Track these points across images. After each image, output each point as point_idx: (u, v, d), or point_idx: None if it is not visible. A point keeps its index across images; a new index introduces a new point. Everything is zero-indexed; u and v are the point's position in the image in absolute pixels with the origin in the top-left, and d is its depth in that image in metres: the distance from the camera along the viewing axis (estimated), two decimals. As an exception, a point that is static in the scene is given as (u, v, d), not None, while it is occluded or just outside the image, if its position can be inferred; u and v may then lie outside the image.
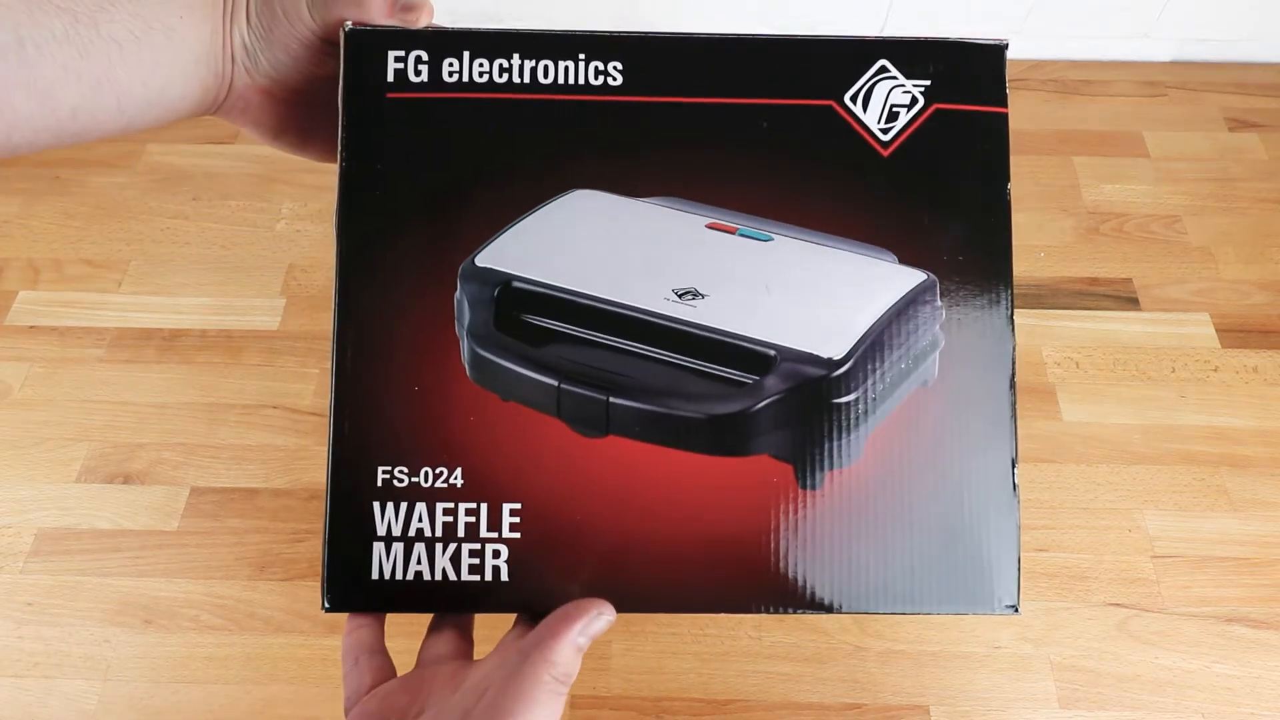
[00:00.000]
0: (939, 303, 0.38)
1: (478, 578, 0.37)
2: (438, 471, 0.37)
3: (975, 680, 0.73)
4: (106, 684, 0.73)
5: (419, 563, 0.37)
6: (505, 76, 0.39)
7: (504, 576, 0.37)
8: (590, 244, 0.40)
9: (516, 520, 0.37)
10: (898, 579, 0.37)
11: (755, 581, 0.37)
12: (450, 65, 0.39)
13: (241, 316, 0.94)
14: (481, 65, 0.39)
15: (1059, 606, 0.76)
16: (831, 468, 0.37)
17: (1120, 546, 0.79)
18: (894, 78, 0.39)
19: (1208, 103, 1.11)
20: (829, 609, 0.37)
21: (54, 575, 0.78)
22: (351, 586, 0.38)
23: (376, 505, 0.37)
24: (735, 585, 0.37)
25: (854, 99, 0.39)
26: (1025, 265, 0.97)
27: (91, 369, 0.90)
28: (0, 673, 0.73)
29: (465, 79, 0.39)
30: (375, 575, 0.37)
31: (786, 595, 0.37)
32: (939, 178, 0.39)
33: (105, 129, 0.37)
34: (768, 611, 0.37)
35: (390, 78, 0.39)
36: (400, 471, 0.37)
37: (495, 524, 0.37)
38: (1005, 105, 0.40)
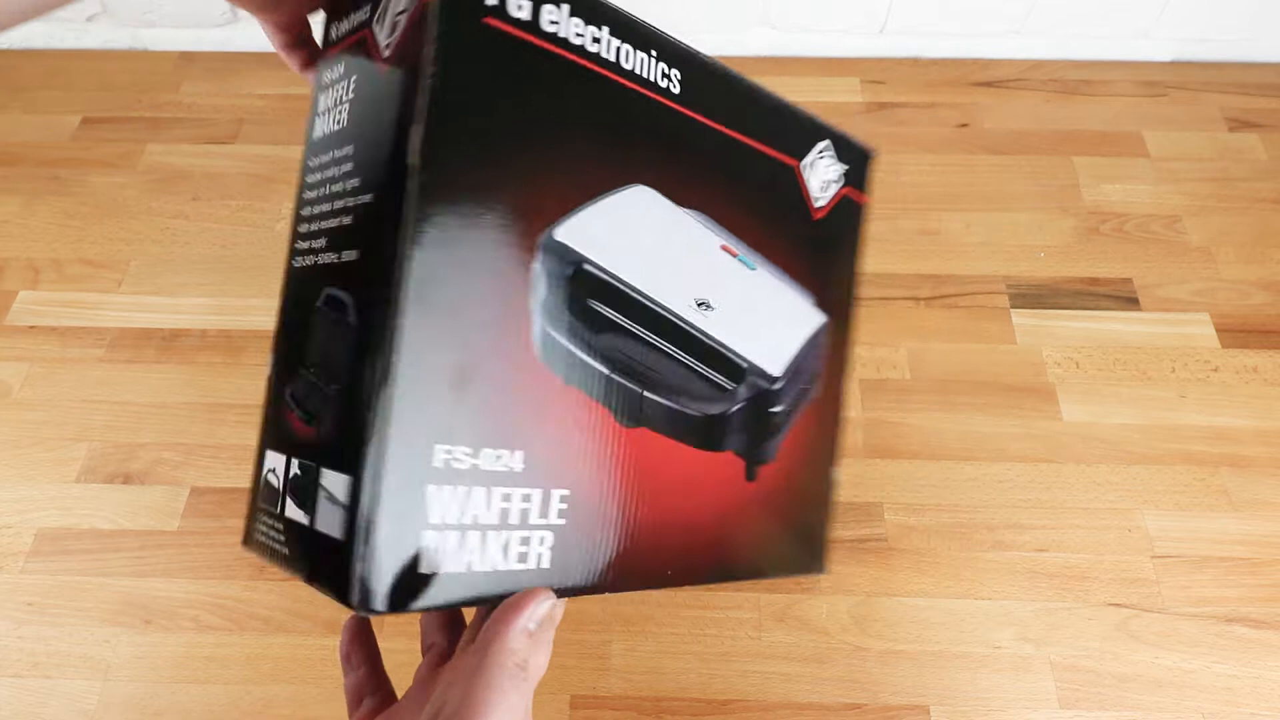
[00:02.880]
0: (825, 339, 0.50)
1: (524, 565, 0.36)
2: (498, 454, 0.35)
3: (975, 680, 0.73)
4: (106, 684, 0.73)
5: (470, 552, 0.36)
6: (596, 47, 0.37)
7: (545, 563, 0.37)
8: (647, 242, 0.40)
9: (564, 506, 0.37)
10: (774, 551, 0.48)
11: (706, 560, 0.43)
12: (551, 14, 0.36)
13: (241, 316, 0.94)
14: (578, 26, 0.37)
15: (1059, 606, 0.76)
16: (762, 464, 0.46)
17: (1120, 546, 0.79)
18: (832, 158, 0.49)
19: (1208, 103, 1.11)
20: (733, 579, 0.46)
21: (54, 575, 0.78)
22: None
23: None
24: (697, 563, 0.43)
25: (805, 167, 0.48)
26: (1025, 265, 0.97)
27: (91, 369, 0.90)
28: (0, 673, 0.73)
29: (562, 35, 0.36)
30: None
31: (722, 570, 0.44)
32: (836, 247, 0.50)
33: None
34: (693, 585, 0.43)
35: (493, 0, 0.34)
36: (462, 452, 0.35)
37: (545, 510, 0.37)
38: (869, 197, 0.52)
